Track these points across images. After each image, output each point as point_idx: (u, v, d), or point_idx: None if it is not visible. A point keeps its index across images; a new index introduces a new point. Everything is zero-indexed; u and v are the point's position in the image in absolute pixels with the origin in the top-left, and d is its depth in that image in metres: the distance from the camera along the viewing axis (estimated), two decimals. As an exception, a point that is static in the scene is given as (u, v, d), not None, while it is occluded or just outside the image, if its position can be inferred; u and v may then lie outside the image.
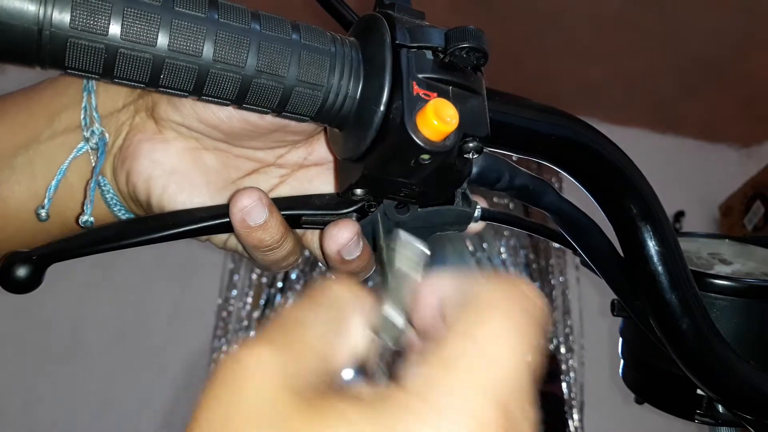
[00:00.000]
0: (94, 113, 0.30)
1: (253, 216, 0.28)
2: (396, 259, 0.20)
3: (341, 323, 0.19)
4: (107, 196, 0.31)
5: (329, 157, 0.33)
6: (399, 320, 0.19)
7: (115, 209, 0.32)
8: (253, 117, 0.29)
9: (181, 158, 0.31)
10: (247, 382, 0.16)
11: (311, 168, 0.34)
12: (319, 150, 0.34)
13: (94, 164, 0.31)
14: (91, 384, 2.26)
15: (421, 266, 0.20)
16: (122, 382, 2.28)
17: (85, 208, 0.30)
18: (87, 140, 0.30)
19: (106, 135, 0.31)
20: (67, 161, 0.30)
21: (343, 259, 0.30)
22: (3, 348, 2.22)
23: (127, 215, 0.32)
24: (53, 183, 0.30)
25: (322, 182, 0.33)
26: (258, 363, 0.16)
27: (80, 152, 0.30)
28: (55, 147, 0.31)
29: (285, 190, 0.33)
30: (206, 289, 2.46)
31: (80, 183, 0.31)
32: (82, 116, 0.30)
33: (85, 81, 0.30)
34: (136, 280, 2.40)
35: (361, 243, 0.30)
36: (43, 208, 0.30)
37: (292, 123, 0.29)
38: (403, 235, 0.21)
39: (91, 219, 0.30)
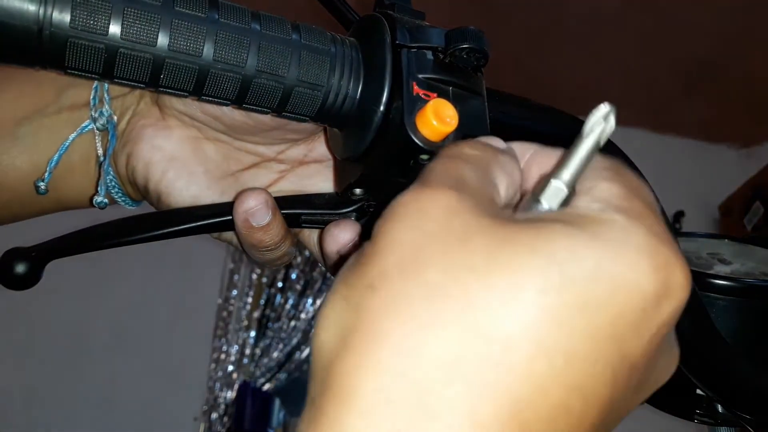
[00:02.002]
0: (105, 95, 0.31)
1: (257, 218, 0.28)
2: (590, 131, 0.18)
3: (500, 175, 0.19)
4: (107, 177, 0.31)
5: (329, 154, 0.33)
6: (564, 193, 0.18)
7: (112, 191, 0.32)
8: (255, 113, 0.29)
9: (182, 146, 0.31)
10: (437, 209, 0.16)
11: (311, 165, 0.34)
12: (319, 148, 0.34)
13: (98, 144, 0.31)
14: (91, 384, 2.26)
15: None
16: (122, 382, 2.28)
17: (99, 189, 0.31)
18: (94, 120, 0.30)
19: (114, 117, 0.31)
20: (71, 137, 0.30)
21: (343, 260, 0.30)
22: (3, 348, 2.22)
23: (123, 198, 0.33)
24: (55, 157, 0.30)
25: (322, 179, 0.33)
26: (442, 198, 0.16)
27: (85, 130, 0.30)
28: (61, 122, 0.31)
29: (284, 186, 0.33)
30: (206, 289, 2.46)
31: (80, 161, 0.32)
32: (92, 95, 0.30)
33: None
34: (136, 280, 2.40)
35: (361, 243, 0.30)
36: (42, 181, 0.30)
37: (294, 122, 0.29)
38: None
39: (105, 200, 0.31)
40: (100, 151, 0.31)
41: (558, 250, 0.15)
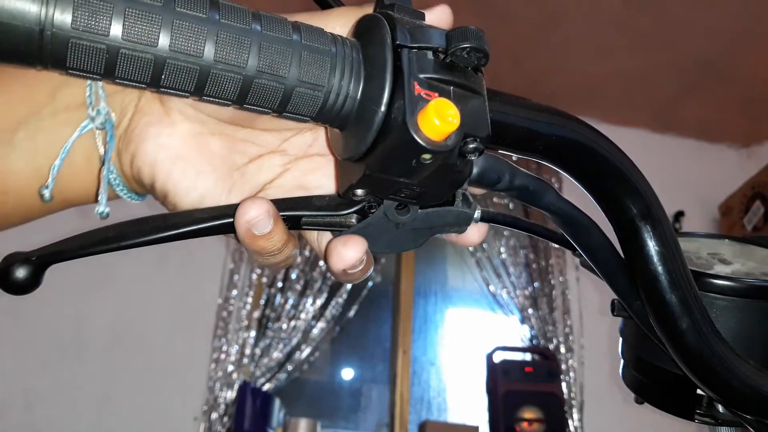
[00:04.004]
0: (100, 92, 0.30)
1: (260, 227, 0.28)
2: None
3: None
4: (111, 176, 0.31)
5: None
6: None
7: (118, 189, 0.31)
8: None
9: (187, 144, 0.30)
10: None
11: (314, 158, 0.33)
12: (324, 139, 0.33)
13: (99, 145, 0.30)
14: (91, 384, 2.26)
15: None
16: (122, 382, 2.28)
17: (99, 198, 0.30)
18: (92, 119, 0.29)
19: (113, 115, 0.30)
20: (71, 140, 0.29)
21: (347, 273, 0.30)
22: (3, 348, 2.22)
23: (129, 195, 0.32)
24: (57, 162, 0.29)
25: (324, 174, 0.33)
26: None
27: (84, 131, 0.30)
28: (58, 124, 0.30)
29: (287, 180, 0.33)
30: (206, 289, 2.47)
31: (83, 162, 0.31)
32: (87, 94, 0.30)
33: None
34: (136, 280, 2.40)
35: (365, 258, 0.30)
36: (46, 188, 0.30)
37: None
38: None
39: (107, 210, 0.30)
40: (101, 150, 0.30)
41: None
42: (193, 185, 0.30)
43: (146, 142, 0.30)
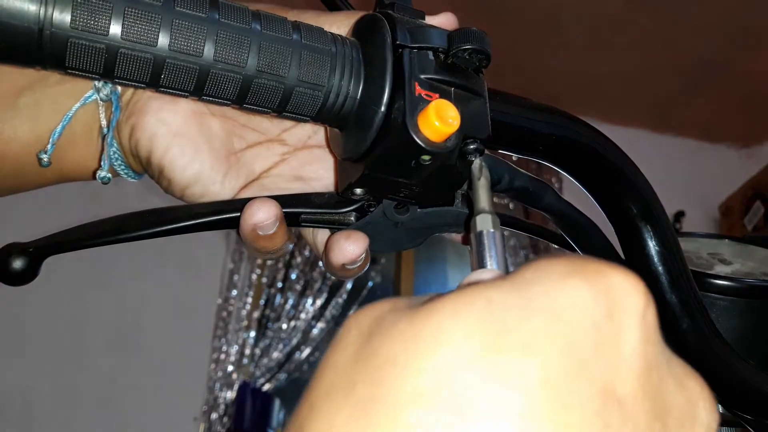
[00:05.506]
0: None
1: (266, 229, 0.28)
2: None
3: None
4: (110, 150, 0.31)
5: None
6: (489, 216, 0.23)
7: (115, 164, 0.31)
8: None
9: (188, 121, 0.30)
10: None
11: (314, 149, 0.33)
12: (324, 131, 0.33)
13: (102, 115, 0.30)
14: (91, 384, 2.26)
15: None
16: (122, 382, 2.28)
17: (102, 163, 0.30)
18: (98, 90, 0.30)
19: (118, 88, 0.30)
20: (74, 108, 0.30)
21: (345, 268, 0.30)
22: (3, 348, 2.22)
23: (126, 172, 0.32)
24: (58, 129, 0.30)
25: (323, 166, 0.33)
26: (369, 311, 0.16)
27: (88, 101, 0.30)
28: (63, 92, 0.30)
29: (284, 170, 0.33)
30: (206, 289, 2.46)
31: (83, 132, 0.31)
32: None
33: None
34: (136, 280, 2.40)
35: (364, 255, 0.30)
36: (45, 153, 0.30)
37: None
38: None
39: (109, 175, 0.30)
40: (104, 123, 0.30)
41: (469, 313, 0.14)
42: (190, 164, 0.30)
43: (147, 115, 0.30)
